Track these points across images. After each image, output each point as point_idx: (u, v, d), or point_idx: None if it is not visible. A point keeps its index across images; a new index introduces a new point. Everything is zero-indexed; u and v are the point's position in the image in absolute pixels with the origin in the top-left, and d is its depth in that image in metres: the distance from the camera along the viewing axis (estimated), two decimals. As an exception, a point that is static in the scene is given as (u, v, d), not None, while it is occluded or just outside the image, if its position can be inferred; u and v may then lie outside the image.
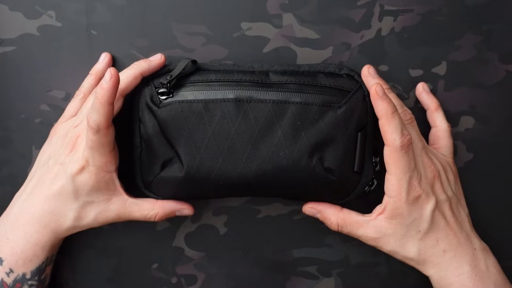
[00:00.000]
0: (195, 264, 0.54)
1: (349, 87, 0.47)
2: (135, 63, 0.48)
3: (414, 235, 0.46)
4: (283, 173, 0.46)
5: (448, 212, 0.46)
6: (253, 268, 0.54)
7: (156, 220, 0.48)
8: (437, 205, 0.46)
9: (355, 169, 0.47)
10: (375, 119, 0.46)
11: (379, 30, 0.51)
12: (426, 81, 0.52)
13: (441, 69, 0.52)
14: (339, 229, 0.48)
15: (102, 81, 0.43)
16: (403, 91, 0.52)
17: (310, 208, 0.49)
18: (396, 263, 0.53)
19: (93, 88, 0.50)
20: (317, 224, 0.53)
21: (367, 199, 0.52)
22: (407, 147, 0.44)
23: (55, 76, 0.51)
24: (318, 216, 0.49)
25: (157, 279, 0.54)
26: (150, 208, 0.48)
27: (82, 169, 0.46)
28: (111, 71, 0.43)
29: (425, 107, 0.51)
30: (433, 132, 0.51)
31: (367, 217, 0.47)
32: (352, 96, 0.47)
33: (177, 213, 0.49)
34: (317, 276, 0.54)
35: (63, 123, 0.50)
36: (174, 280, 0.54)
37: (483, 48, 0.51)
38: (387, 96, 0.44)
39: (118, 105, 0.47)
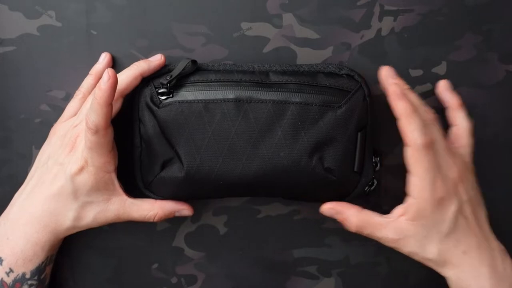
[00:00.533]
0: (195, 264, 0.54)
1: (349, 87, 0.47)
2: (135, 63, 0.48)
3: (436, 236, 0.45)
4: (283, 173, 0.46)
5: (469, 214, 0.45)
6: (253, 268, 0.54)
7: (155, 220, 0.48)
8: (460, 207, 0.45)
9: (355, 169, 0.47)
10: (375, 119, 0.46)
11: (379, 30, 0.51)
12: (426, 81, 0.52)
13: (441, 69, 0.52)
14: (359, 230, 0.46)
15: (100, 82, 0.43)
16: (403, 91, 0.52)
17: (329, 209, 0.47)
18: (397, 263, 0.53)
19: (92, 88, 0.50)
20: (317, 224, 0.53)
21: (367, 199, 0.52)
22: (429, 146, 0.43)
23: (55, 76, 0.51)
24: (337, 217, 0.47)
25: (157, 279, 0.54)
26: (149, 209, 0.48)
27: (81, 169, 0.46)
28: (109, 72, 0.43)
29: (446, 104, 0.50)
30: (454, 131, 0.49)
31: (388, 218, 0.46)
32: (352, 96, 0.47)
33: (177, 214, 0.49)
34: (317, 276, 0.54)
35: (63, 123, 0.50)
36: (174, 280, 0.54)
37: (483, 48, 0.51)
38: (405, 95, 0.44)
39: (117, 105, 0.47)
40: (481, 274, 0.45)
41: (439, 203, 0.44)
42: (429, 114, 0.46)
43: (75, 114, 0.50)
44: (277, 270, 0.54)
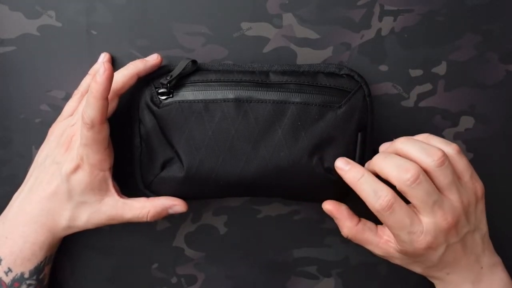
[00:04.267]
0: (195, 264, 0.54)
1: (349, 87, 0.47)
2: (131, 63, 0.48)
3: (420, 265, 0.46)
4: (283, 173, 0.46)
5: (457, 250, 0.45)
6: (253, 268, 0.54)
7: (149, 219, 0.48)
8: (447, 249, 0.44)
9: (355, 169, 0.47)
10: (375, 119, 0.46)
11: (379, 30, 0.51)
12: (426, 81, 0.52)
13: (441, 69, 0.52)
14: (348, 239, 0.48)
15: (96, 75, 0.43)
16: (403, 91, 0.52)
17: (328, 211, 0.48)
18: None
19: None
20: (317, 224, 0.53)
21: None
22: (388, 208, 0.42)
23: (55, 76, 0.51)
24: (334, 219, 0.48)
25: (157, 279, 0.54)
26: (140, 207, 0.47)
27: (76, 168, 0.46)
28: (105, 65, 0.42)
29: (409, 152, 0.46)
30: None
31: (378, 238, 0.46)
32: (352, 96, 0.47)
33: (170, 211, 0.48)
34: (317, 276, 0.54)
35: (60, 123, 0.50)
36: (174, 280, 0.54)
37: (483, 48, 0.51)
38: (350, 164, 0.44)
39: (113, 105, 0.47)
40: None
41: (422, 249, 0.43)
42: (407, 174, 0.42)
43: (71, 114, 0.50)
44: (277, 270, 0.54)
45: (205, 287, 0.54)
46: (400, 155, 0.44)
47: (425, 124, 0.52)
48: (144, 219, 0.48)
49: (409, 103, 0.52)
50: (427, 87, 0.52)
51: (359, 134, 0.47)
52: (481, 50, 0.51)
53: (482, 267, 0.46)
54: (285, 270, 0.54)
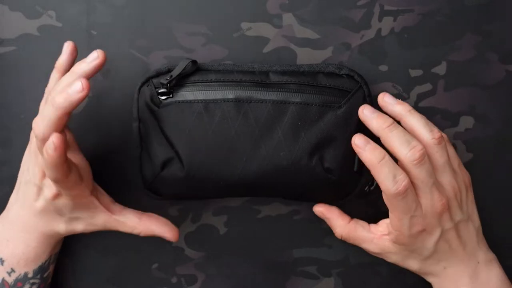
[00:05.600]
0: (195, 264, 0.54)
1: (349, 87, 0.47)
2: (74, 67, 0.43)
3: (417, 257, 0.46)
4: (283, 173, 0.46)
5: (453, 238, 0.45)
6: (253, 268, 0.54)
7: (141, 235, 0.49)
8: (442, 235, 0.45)
9: (355, 169, 0.47)
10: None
11: (379, 30, 0.51)
12: (426, 81, 0.52)
13: (441, 69, 0.52)
14: (343, 239, 0.49)
15: (47, 147, 0.40)
16: (403, 91, 0.52)
17: (319, 212, 0.49)
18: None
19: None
20: (317, 224, 0.53)
21: (367, 199, 0.52)
22: (403, 193, 0.42)
23: (55, 76, 0.51)
24: (326, 221, 0.50)
25: (157, 279, 0.54)
26: (132, 227, 0.48)
27: (57, 196, 0.45)
28: (55, 141, 0.39)
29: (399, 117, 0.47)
30: None
31: (372, 235, 0.47)
32: (352, 96, 0.47)
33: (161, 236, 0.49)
34: (317, 276, 0.54)
35: None
36: (174, 280, 0.54)
37: (483, 48, 0.51)
38: (369, 144, 0.43)
39: (65, 119, 0.42)
40: (462, 285, 0.46)
41: (419, 235, 0.44)
42: (415, 153, 0.42)
43: None
44: (277, 270, 0.54)
45: (205, 287, 0.54)
46: (403, 125, 0.44)
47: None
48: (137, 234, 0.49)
49: (409, 103, 0.52)
50: (427, 87, 0.52)
51: (359, 134, 0.47)
52: (481, 50, 0.51)
53: (478, 262, 0.46)
54: (285, 270, 0.54)
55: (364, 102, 0.47)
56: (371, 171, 0.43)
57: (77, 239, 0.53)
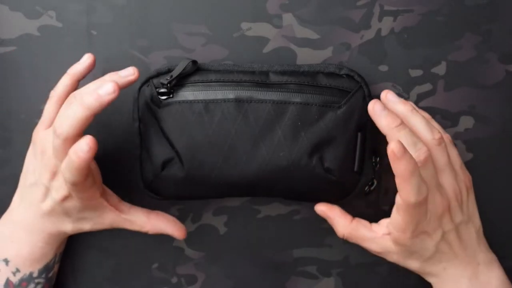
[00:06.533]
0: (195, 264, 0.54)
1: (349, 87, 0.47)
2: (106, 76, 0.45)
3: (417, 258, 0.46)
4: (283, 173, 0.46)
5: (453, 240, 0.45)
6: (253, 268, 0.54)
7: (149, 234, 0.49)
8: (443, 237, 0.45)
9: (355, 169, 0.47)
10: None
11: (379, 30, 0.51)
12: (426, 81, 0.52)
13: (441, 69, 0.52)
14: (345, 238, 0.48)
15: (78, 149, 0.40)
16: (403, 91, 0.52)
17: (321, 211, 0.49)
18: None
19: (68, 90, 0.47)
20: (317, 224, 0.53)
21: (367, 199, 0.52)
22: (425, 161, 0.42)
23: (55, 76, 0.51)
24: (328, 220, 0.49)
25: (157, 279, 0.54)
26: (140, 226, 0.48)
27: (66, 197, 0.45)
28: (90, 143, 0.40)
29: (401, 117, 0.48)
30: None
31: (373, 234, 0.47)
32: (352, 96, 0.47)
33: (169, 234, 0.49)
34: (317, 276, 0.54)
35: (42, 132, 0.47)
36: (174, 280, 0.54)
37: (483, 48, 0.51)
38: (406, 153, 0.40)
39: (90, 120, 0.43)
40: (461, 285, 0.46)
41: (420, 236, 0.44)
42: (421, 154, 0.42)
43: (53, 118, 0.47)
44: (277, 270, 0.54)
45: (205, 287, 0.54)
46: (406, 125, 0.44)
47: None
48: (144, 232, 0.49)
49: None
50: (427, 87, 0.52)
51: (359, 134, 0.47)
52: (481, 50, 0.51)
53: (479, 263, 0.46)
54: (285, 270, 0.54)
55: (364, 102, 0.47)
56: (398, 179, 0.41)
57: (77, 239, 0.53)
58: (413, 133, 0.44)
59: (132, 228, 0.48)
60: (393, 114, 0.44)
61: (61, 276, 0.53)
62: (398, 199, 0.43)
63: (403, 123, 0.44)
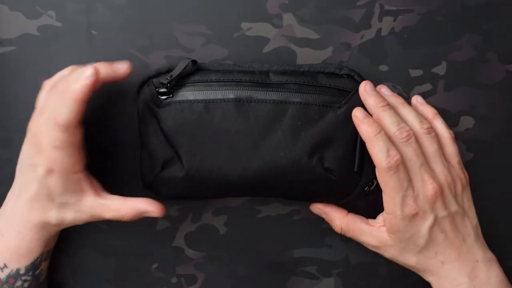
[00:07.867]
0: (195, 264, 0.54)
1: (349, 87, 0.47)
2: (99, 65, 0.44)
3: (413, 248, 0.46)
4: (283, 173, 0.46)
5: (448, 228, 0.46)
6: (253, 268, 0.54)
7: (127, 220, 0.47)
8: (436, 222, 0.45)
9: (355, 169, 0.47)
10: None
11: (379, 30, 0.51)
12: (425, 81, 0.52)
13: (441, 69, 0.52)
14: (343, 232, 0.49)
15: (80, 76, 0.41)
16: (403, 91, 0.52)
17: (317, 209, 0.50)
18: (397, 263, 0.53)
19: None
20: (317, 224, 0.53)
21: (367, 199, 0.52)
22: (395, 167, 0.44)
23: (55, 76, 0.51)
24: (324, 217, 0.50)
25: (157, 279, 0.54)
26: (117, 209, 0.47)
27: (49, 171, 0.45)
28: (94, 68, 0.41)
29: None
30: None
31: (370, 226, 0.48)
32: (352, 96, 0.47)
33: (145, 215, 0.48)
34: (317, 276, 0.54)
35: (36, 118, 0.46)
36: (174, 280, 0.54)
37: (483, 48, 0.51)
38: (368, 118, 0.45)
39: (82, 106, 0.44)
40: (460, 283, 0.46)
41: (412, 218, 0.45)
42: (403, 133, 0.45)
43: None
44: (277, 270, 0.54)
45: (205, 287, 0.54)
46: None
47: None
48: (123, 220, 0.47)
49: (409, 102, 0.52)
50: (427, 87, 0.52)
51: (359, 134, 0.47)
52: (481, 50, 0.51)
53: (477, 261, 0.46)
54: (285, 270, 0.54)
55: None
56: (366, 144, 0.45)
57: (77, 239, 0.53)
58: (398, 115, 0.46)
59: (109, 215, 0.47)
60: (381, 96, 0.46)
61: (60, 276, 0.53)
62: (376, 172, 0.45)
63: (389, 105, 0.46)
